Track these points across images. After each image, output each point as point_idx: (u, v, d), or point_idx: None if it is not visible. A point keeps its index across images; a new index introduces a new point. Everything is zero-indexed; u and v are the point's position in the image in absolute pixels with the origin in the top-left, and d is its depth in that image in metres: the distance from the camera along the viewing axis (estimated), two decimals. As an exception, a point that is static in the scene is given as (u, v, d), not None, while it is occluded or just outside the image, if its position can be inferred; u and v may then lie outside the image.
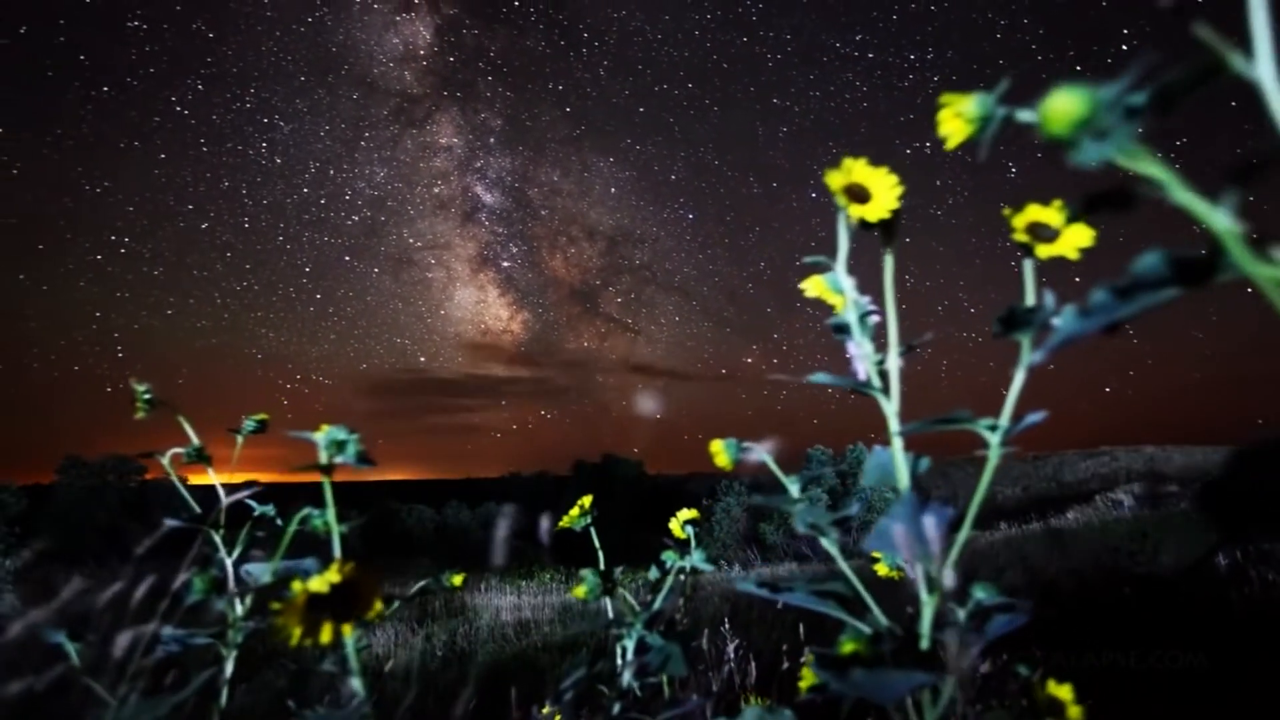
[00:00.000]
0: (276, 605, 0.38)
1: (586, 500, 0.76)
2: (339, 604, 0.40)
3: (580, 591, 0.65)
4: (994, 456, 0.45)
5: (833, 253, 0.57)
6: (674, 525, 0.80)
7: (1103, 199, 0.25)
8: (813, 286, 0.62)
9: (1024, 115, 0.37)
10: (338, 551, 0.48)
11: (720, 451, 0.60)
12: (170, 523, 0.69)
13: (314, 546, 0.62)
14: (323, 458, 0.48)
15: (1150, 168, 0.24)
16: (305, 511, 0.51)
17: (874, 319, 0.58)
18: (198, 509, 0.70)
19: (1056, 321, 0.41)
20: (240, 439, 0.84)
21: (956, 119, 0.37)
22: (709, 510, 19.44)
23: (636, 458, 26.07)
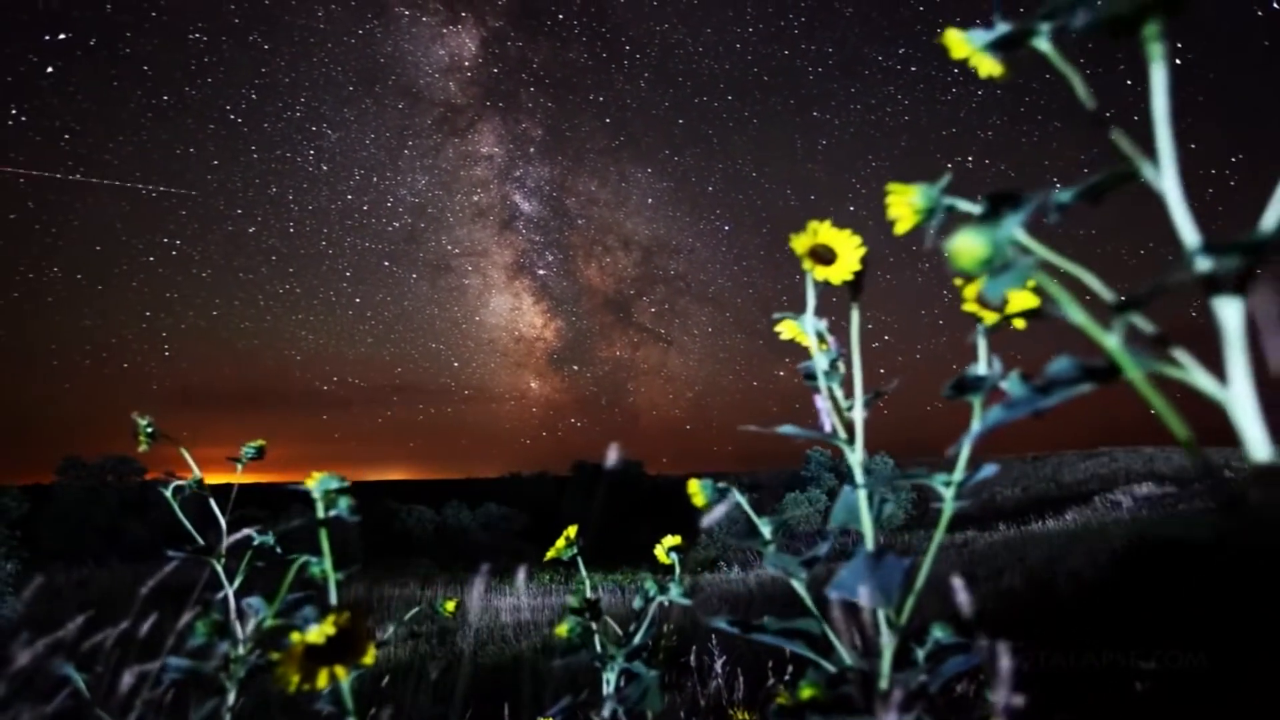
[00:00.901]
0: (276, 655, 0.41)
1: (571, 531, 0.79)
2: (334, 651, 0.43)
3: (562, 630, 0.68)
4: (948, 509, 0.48)
5: (804, 304, 0.60)
6: (659, 551, 0.83)
7: (1014, 317, 0.28)
8: (787, 329, 0.65)
9: (965, 205, 0.40)
10: (334, 598, 0.51)
11: (698, 492, 0.63)
12: (174, 554, 0.72)
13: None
14: (320, 512, 0.51)
15: (1050, 289, 0.27)
16: (303, 559, 0.54)
17: (845, 366, 0.61)
18: (201, 541, 0.73)
19: (1005, 385, 0.44)
20: (240, 465, 0.87)
21: (905, 206, 0.40)
22: (709, 511, 19.43)
23: (637, 458, 26.09)
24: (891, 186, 0.40)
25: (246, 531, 0.77)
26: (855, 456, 0.53)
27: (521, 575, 1.08)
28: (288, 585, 0.56)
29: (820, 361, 0.62)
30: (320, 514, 0.50)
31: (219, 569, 0.70)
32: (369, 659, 0.44)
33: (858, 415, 0.54)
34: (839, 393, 0.60)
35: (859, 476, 0.52)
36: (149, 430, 0.78)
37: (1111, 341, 0.26)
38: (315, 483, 0.51)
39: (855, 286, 0.57)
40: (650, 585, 0.75)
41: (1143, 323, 0.32)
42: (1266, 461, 0.26)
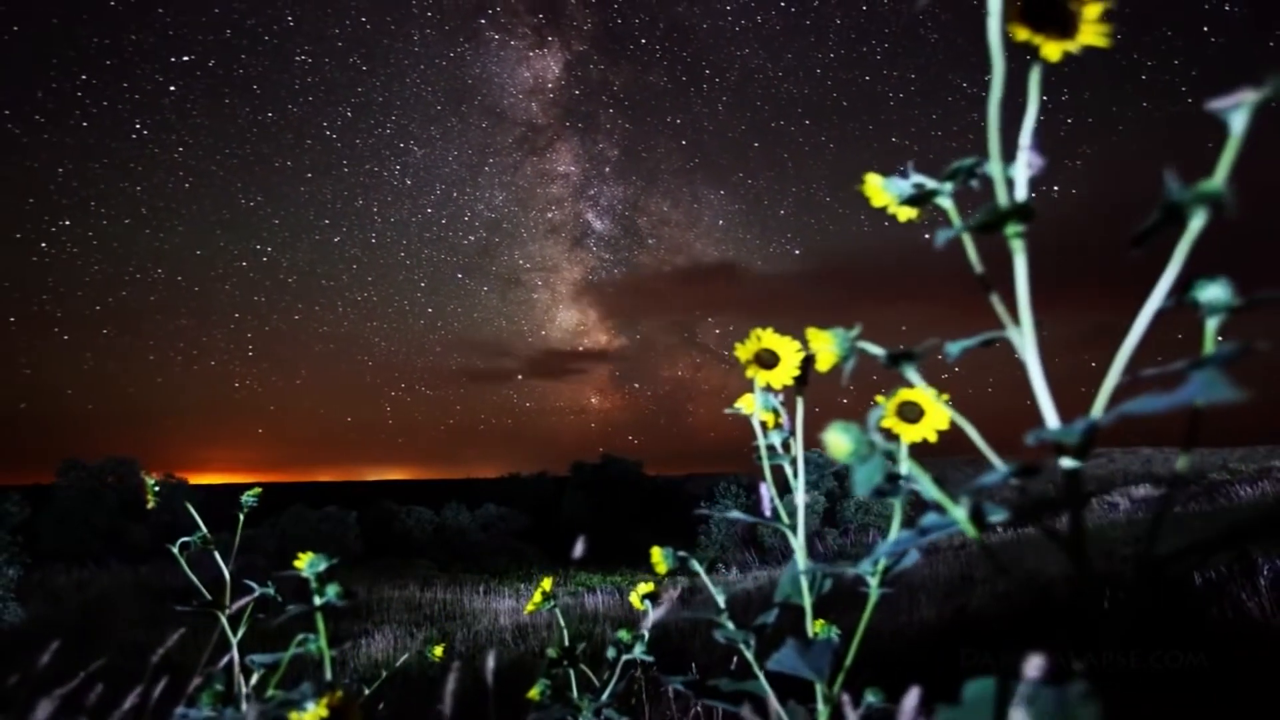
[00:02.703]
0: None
1: (547, 584, 0.85)
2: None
3: (534, 694, 0.74)
4: (874, 595, 0.54)
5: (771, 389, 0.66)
6: (634, 598, 0.89)
7: (881, 491, 0.34)
8: (745, 404, 0.71)
9: (873, 349, 0.47)
10: (329, 674, 0.57)
11: (660, 561, 0.69)
12: (181, 609, 0.78)
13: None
14: (316, 600, 0.57)
15: (906, 466, 0.33)
16: (302, 637, 0.60)
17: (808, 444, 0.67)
18: (208, 596, 0.79)
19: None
20: (241, 516, 0.94)
21: (824, 349, 0.46)
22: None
23: (636, 458, 26.14)
24: (810, 332, 0.46)
25: (248, 583, 0.83)
26: (798, 541, 0.59)
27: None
28: (286, 662, 0.62)
29: (773, 438, 0.68)
30: (315, 600, 0.56)
31: (225, 624, 0.76)
32: (358, 732, 0.50)
33: (799, 501, 0.60)
34: (789, 470, 0.66)
35: (801, 561, 0.58)
36: (156, 490, 0.84)
37: (960, 513, 0.32)
38: (305, 564, 0.57)
39: (801, 380, 0.63)
40: (623, 634, 0.81)
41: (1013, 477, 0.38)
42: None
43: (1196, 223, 0.33)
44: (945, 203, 0.46)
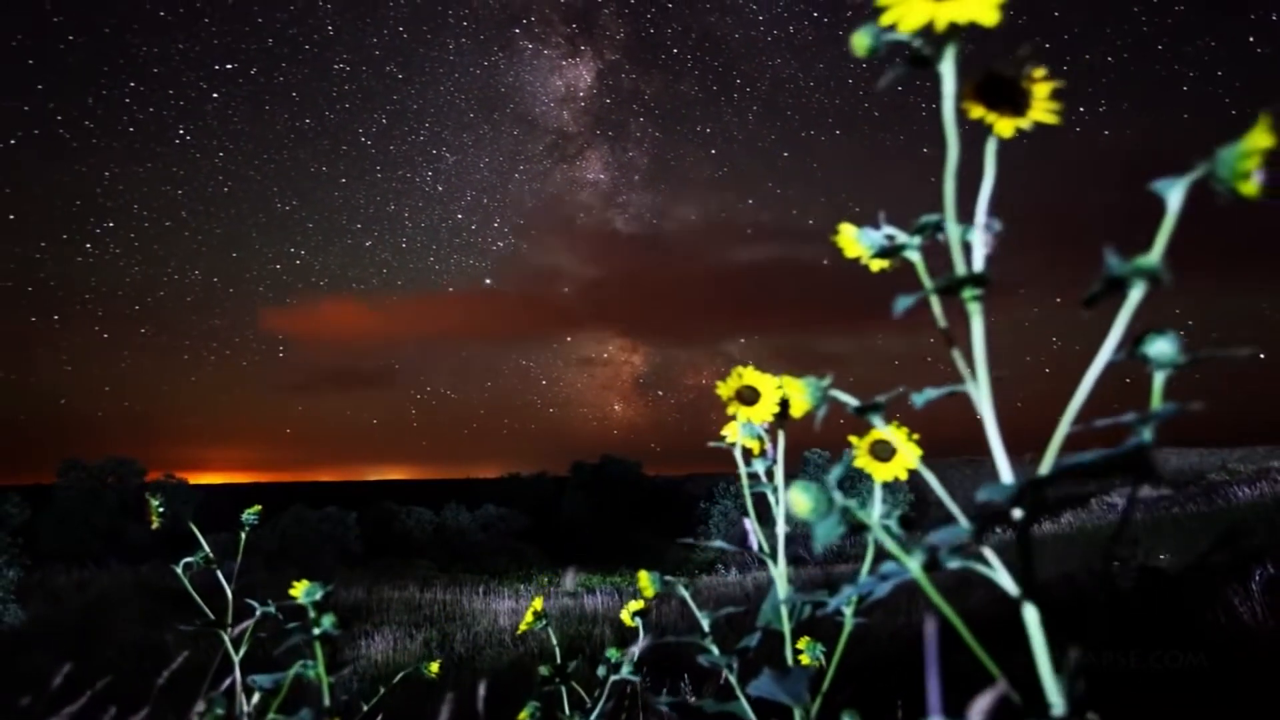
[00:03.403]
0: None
1: (538, 603, 0.88)
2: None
3: (523, 716, 0.77)
4: (848, 624, 0.57)
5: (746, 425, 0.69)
6: (624, 615, 0.91)
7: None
8: (730, 433, 0.74)
9: (844, 398, 0.49)
10: (327, 700, 0.59)
11: (647, 585, 0.71)
12: (184, 628, 0.80)
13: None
14: (315, 630, 0.59)
15: (860, 516, 0.35)
16: (301, 664, 0.63)
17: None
18: (211, 615, 0.81)
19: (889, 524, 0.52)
20: (243, 536, 0.96)
21: (797, 396, 0.48)
22: (706, 513, 19.59)
23: (635, 458, 26.15)
24: (786, 380, 0.48)
25: (250, 602, 0.85)
26: (779, 570, 0.62)
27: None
28: (287, 687, 0.64)
29: (756, 466, 0.70)
30: (314, 631, 0.58)
31: (228, 644, 0.79)
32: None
33: (780, 532, 0.63)
34: (771, 498, 0.69)
35: (781, 590, 0.61)
36: (160, 510, 0.87)
37: (914, 565, 0.35)
38: (301, 592, 0.59)
39: (782, 415, 0.66)
40: (612, 653, 0.83)
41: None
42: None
43: (1136, 294, 0.36)
44: (913, 256, 0.49)
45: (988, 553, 0.40)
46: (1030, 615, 0.36)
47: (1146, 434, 0.39)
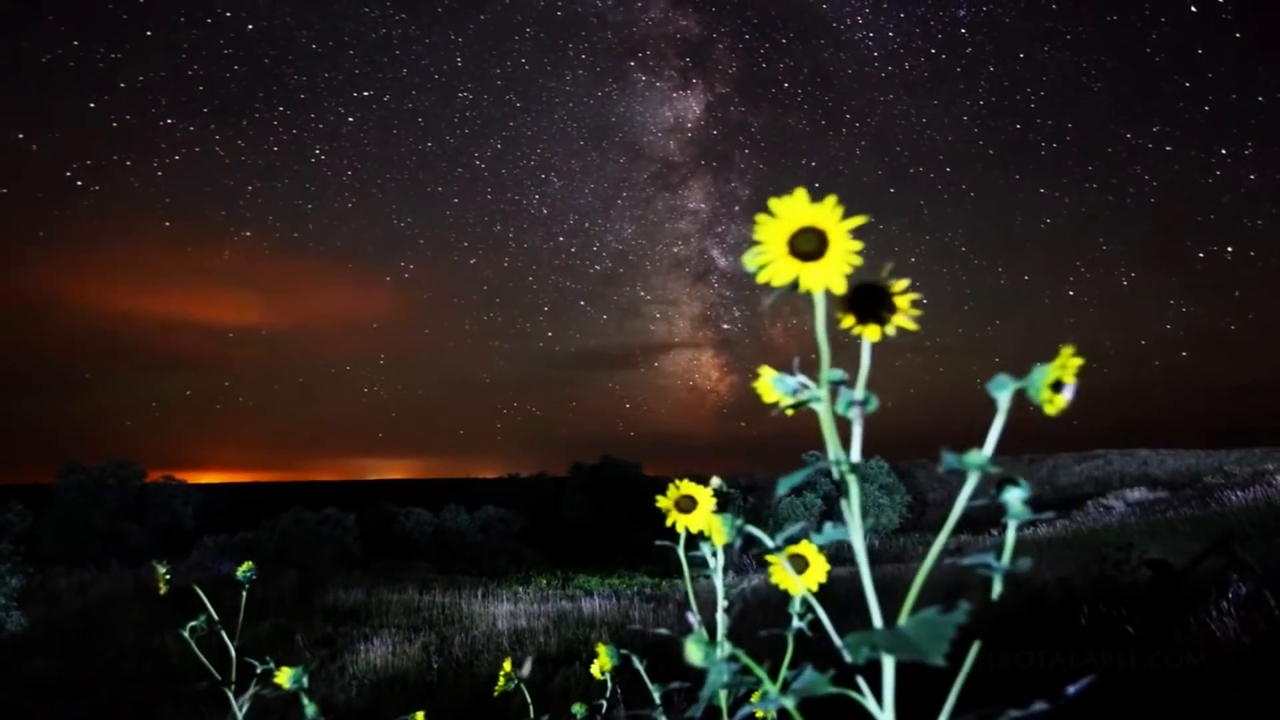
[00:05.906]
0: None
1: (508, 665, 0.96)
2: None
3: None
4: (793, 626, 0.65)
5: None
6: (594, 670, 0.99)
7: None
8: (692, 523, 0.81)
9: (757, 533, 0.57)
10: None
11: (605, 659, 0.79)
12: (190, 691, 0.88)
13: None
14: (310, 712, 0.67)
15: (747, 661, 0.43)
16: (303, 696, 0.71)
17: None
18: (217, 675, 0.89)
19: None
20: (244, 593, 1.04)
21: (716, 533, 0.56)
22: (704, 515, 19.62)
23: (635, 459, 26.21)
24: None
25: (252, 660, 0.93)
26: (719, 652, 0.70)
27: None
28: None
29: (704, 550, 0.78)
30: (308, 715, 0.66)
31: (234, 706, 0.87)
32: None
33: (720, 620, 0.71)
34: (716, 581, 0.77)
35: (722, 676, 0.68)
36: (167, 577, 0.95)
37: (789, 706, 0.43)
38: (287, 679, 0.67)
39: (721, 505, 0.74)
40: (578, 709, 0.91)
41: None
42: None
43: (972, 480, 0.44)
44: (819, 408, 0.57)
45: (861, 682, 0.48)
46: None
47: (997, 587, 0.47)
